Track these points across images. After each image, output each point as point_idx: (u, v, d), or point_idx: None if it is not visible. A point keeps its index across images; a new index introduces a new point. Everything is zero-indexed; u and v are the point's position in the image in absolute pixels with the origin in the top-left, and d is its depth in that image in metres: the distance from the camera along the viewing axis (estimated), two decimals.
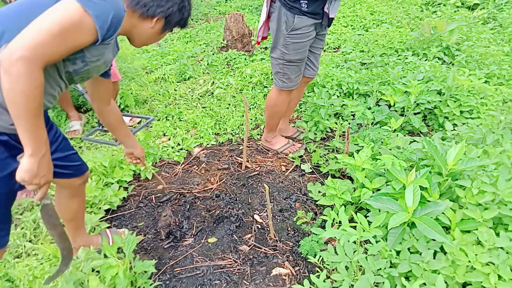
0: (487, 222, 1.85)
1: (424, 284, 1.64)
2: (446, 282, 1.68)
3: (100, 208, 2.33)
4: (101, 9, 1.13)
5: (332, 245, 2.03)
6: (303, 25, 2.22)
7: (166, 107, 3.43)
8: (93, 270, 1.88)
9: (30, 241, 2.14)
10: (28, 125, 1.09)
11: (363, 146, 2.24)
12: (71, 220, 1.92)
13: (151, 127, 3.13)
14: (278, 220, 2.21)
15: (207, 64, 4.12)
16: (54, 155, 1.50)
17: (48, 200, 1.33)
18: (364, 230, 1.65)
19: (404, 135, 2.72)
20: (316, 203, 2.29)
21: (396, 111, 2.98)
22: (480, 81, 2.88)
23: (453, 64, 3.60)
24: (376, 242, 1.81)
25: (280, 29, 2.27)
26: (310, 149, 2.80)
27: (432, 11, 5.17)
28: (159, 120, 3.24)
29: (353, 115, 3.05)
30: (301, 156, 2.77)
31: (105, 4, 1.14)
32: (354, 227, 1.68)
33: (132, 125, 3.25)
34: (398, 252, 1.79)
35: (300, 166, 2.67)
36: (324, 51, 4.58)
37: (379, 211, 2.00)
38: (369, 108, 2.78)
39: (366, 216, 2.10)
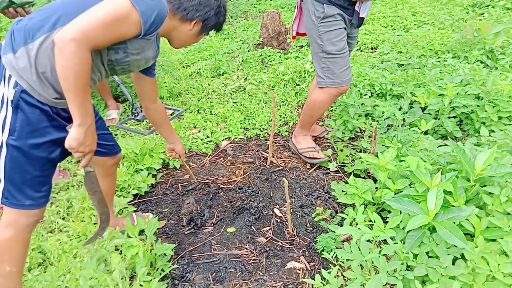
0: None
1: None
2: None
3: (129, 192, 2.45)
4: (147, 7, 1.28)
5: (349, 244, 2.01)
6: (333, 13, 2.19)
7: (198, 100, 3.53)
8: (116, 250, 1.99)
9: (63, 219, 2.28)
10: (77, 98, 1.25)
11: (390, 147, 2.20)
12: None
13: (183, 118, 3.23)
14: (298, 216, 2.22)
15: (242, 61, 4.18)
16: None
17: (91, 168, 1.49)
18: (380, 230, 1.64)
19: (437, 139, 2.63)
20: (337, 201, 2.27)
21: (430, 114, 2.88)
22: None
23: (496, 68, 3.43)
24: (394, 244, 1.78)
25: (310, 20, 2.26)
26: (337, 148, 2.78)
27: (479, 13, 4.94)
28: (191, 112, 3.34)
29: (386, 117, 2.99)
30: (329, 156, 2.76)
31: (151, 3, 1.30)
32: (372, 227, 1.67)
33: None
34: (415, 256, 1.76)
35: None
36: (361, 51, 4.51)
37: (400, 213, 1.96)
38: (400, 109, 2.72)
39: (386, 218, 2.07)
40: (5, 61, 1.30)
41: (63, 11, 1.30)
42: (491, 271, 1.60)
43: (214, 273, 1.90)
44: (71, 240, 2.10)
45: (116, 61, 1.43)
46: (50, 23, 1.28)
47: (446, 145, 2.26)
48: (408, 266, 1.76)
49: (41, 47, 1.28)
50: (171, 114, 3.40)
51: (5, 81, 1.31)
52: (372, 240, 1.66)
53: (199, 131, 3.09)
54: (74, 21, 1.20)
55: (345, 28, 2.27)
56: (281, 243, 2.05)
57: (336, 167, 2.62)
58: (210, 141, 3.00)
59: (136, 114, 2.79)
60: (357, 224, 1.95)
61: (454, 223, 1.73)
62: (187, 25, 1.55)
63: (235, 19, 6.12)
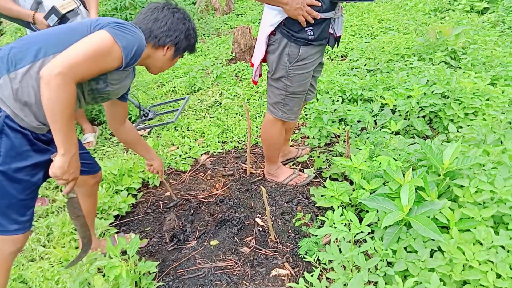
0: (486, 220, 1.84)
1: (420, 282, 1.64)
2: (443, 281, 1.68)
3: (109, 214, 2.43)
4: (128, 42, 1.38)
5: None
6: (309, 54, 2.07)
7: None
8: (99, 272, 1.97)
9: (43, 246, 2.25)
10: (62, 128, 1.30)
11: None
12: None
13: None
14: (279, 223, 2.25)
15: (216, 76, 4.23)
16: None
17: (74, 194, 1.55)
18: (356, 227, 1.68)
19: (408, 139, 2.73)
20: (316, 206, 2.31)
21: (400, 115, 2.99)
22: (484, 83, 2.87)
23: (460, 68, 3.59)
24: (373, 242, 1.83)
25: (281, 61, 2.10)
26: (313, 155, 2.84)
27: (440, 17, 5.17)
28: (168, 130, 3.35)
29: (358, 121, 3.08)
30: (305, 161, 2.82)
31: (131, 38, 1.39)
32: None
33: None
34: (394, 252, 1.81)
35: (303, 171, 2.71)
36: (332, 60, 4.64)
37: (377, 211, 2.02)
38: (371, 112, 2.81)
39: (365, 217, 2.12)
40: None
41: (45, 43, 1.37)
42: (467, 260, 1.66)
43: (200, 287, 1.91)
44: (52, 266, 2.07)
45: (97, 90, 1.50)
46: (32, 54, 1.35)
47: (416, 143, 2.35)
48: (388, 262, 1.81)
49: (25, 77, 1.34)
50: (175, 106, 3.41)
51: None
52: (351, 240, 1.70)
53: (178, 148, 3.10)
54: (59, 56, 1.26)
55: (319, 61, 2.21)
56: (265, 251, 2.07)
57: (314, 173, 2.67)
58: (189, 157, 3.02)
59: (146, 114, 2.78)
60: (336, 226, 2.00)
61: (428, 216, 1.79)
62: (160, 51, 1.62)
63: (208, 36, 6.20)
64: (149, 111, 2.80)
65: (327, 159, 2.75)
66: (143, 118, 2.89)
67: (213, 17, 7.31)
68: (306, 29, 1.99)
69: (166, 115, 3.45)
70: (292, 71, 2.11)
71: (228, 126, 3.37)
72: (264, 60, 2.23)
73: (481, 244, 1.74)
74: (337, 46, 2.21)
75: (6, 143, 1.38)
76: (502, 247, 1.72)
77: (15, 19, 2.60)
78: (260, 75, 2.36)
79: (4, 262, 1.56)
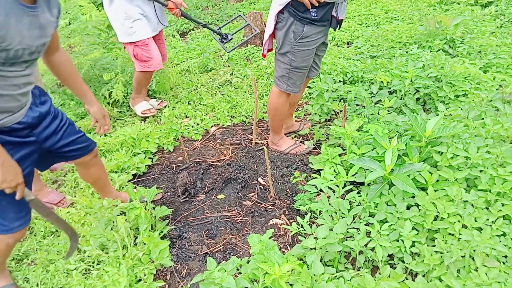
0: (460, 182, 2.10)
1: (395, 229, 1.91)
2: (416, 229, 1.95)
3: (128, 172, 2.74)
4: None
5: None
6: (312, 33, 2.30)
7: (188, 93, 3.83)
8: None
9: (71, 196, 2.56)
10: None
11: None
12: (94, 183, 2.22)
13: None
14: (279, 183, 2.53)
15: (228, 58, 4.50)
16: (60, 143, 1.77)
17: (31, 196, 1.49)
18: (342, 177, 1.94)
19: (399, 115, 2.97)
20: (313, 169, 2.59)
21: (396, 96, 3.23)
22: (475, 68, 3.10)
23: (457, 56, 3.81)
24: (359, 196, 2.10)
25: (287, 38, 2.34)
26: (314, 129, 3.10)
27: (444, 9, 5.35)
28: (182, 104, 3.65)
29: (356, 98, 3.32)
30: (305, 134, 3.09)
31: None
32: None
33: (162, 107, 3.65)
34: (376, 205, 2.07)
35: (304, 143, 2.98)
36: (338, 46, 4.87)
37: (365, 171, 2.28)
38: (367, 90, 3.05)
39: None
40: None
41: None
42: (439, 212, 1.92)
43: (207, 231, 2.20)
44: (79, 212, 2.38)
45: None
46: None
47: (405, 116, 2.60)
48: (370, 214, 2.07)
49: None
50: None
51: None
52: (339, 188, 1.96)
53: (190, 119, 3.40)
54: None
55: (322, 40, 2.42)
56: (265, 205, 2.36)
57: (313, 144, 2.94)
58: (200, 128, 3.31)
59: (226, 37, 3.03)
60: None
61: (409, 176, 2.05)
62: None
63: (221, 22, 6.46)
64: (226, 34, 3.12)
65: (326, 133, 3.02)
66: (225, 41, 3.20)
67: (227, 4, 7.55)
68: (310, 10, 2.23)
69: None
70: (297, 47, 2.36)
71: (237, 102, 3.65)
72: (273, 36, 2.50)
73: (452, 201, 2.00)
74: (339, 29, 2.47)
75: None
76: (472, 205, 1.98)
77: None
78: (270, 50, 2.62)
79: (9, 247, 1.71)
